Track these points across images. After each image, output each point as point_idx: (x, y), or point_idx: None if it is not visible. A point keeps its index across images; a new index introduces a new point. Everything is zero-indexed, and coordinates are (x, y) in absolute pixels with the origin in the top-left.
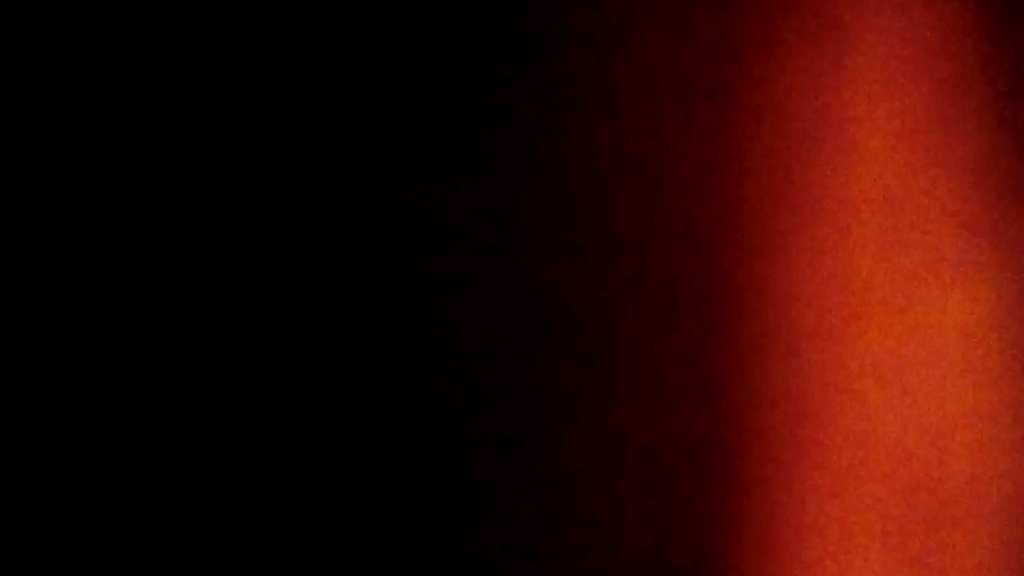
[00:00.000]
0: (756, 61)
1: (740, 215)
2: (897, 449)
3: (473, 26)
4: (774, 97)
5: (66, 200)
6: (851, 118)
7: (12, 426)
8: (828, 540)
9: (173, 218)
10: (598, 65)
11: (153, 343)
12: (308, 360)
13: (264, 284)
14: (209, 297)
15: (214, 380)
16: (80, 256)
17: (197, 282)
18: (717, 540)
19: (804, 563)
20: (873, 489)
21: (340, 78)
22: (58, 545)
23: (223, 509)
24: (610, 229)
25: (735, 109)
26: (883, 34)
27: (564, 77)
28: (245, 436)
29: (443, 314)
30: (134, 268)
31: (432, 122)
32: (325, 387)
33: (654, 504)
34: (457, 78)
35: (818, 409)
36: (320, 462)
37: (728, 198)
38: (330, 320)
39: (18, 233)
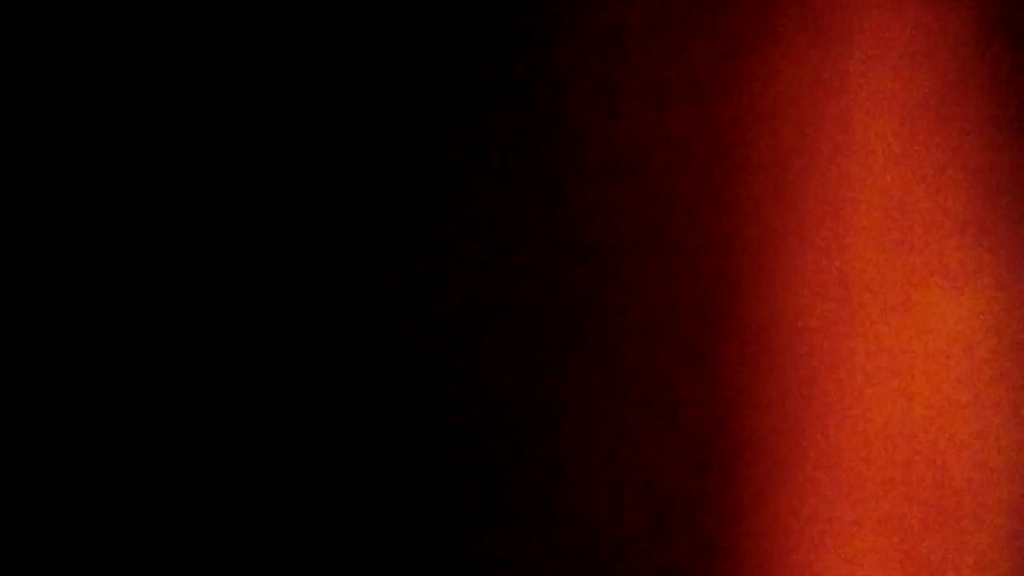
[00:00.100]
0: (756, 61)
1: (740, 215)
2: (897, 449)
3: (471, 27)
4: (774, 97)
5: (81, 203)
6: (851, 118)
7: (12, 426)
8: (828, 540)
9: (181, 222)
10: (597, 66)
11: (164, 342)
12: (308, 360)
13: (272, 286)
14: (217, 298)
15: (226, 380)
16: (89, 260)
17: (202, 283)
18: (717, 540)
19: (804, 563)
20: (873, 489)
21: (340, 78)
22: (58, 545)
23: (232, 510)
24: (609, 229)
25: (735, 109)
26: (883, 34)
27: (563, 77)
28: (255, 437)
29: (443, 315)
30: (138, 269)
31: (431, 122)
32: (325, 387)
33: (654, 504)
34: (455, 78)
35: (818, 409)
36: (320, 461)
37: (728, 198)
38: (331, 320)
39: (20, 233)
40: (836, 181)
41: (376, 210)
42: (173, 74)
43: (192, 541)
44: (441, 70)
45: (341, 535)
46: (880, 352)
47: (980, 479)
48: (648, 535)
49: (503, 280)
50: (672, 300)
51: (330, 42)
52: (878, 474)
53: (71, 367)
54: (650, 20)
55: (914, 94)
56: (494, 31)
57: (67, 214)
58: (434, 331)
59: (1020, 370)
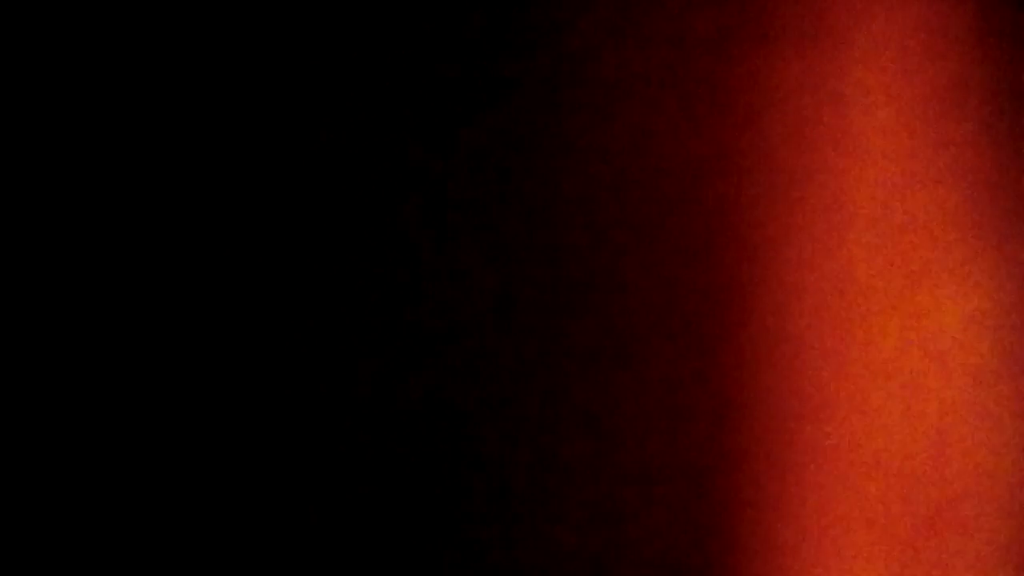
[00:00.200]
0: (755, 61)
1: (739, 215)
2: (897, 449)
3: (468, 26)
4: (773, 97)
5: (82, 204)
6: (850, 118)
7: (12, 426)
8: (828, 540)
9: (181, 222)
10: (595, 64)
11: (164, 342)
12: (308, 360)
13: (272, 286)
14: (217, 298)
15: (226, 380)
16: (90, 260)
17: (202, 283)
18: (717, 540)
19: (804, 563)
20: (873, 489)
21: (339, 78)
22: (58, 545)
23: (232, 509)
24: (607, 230)
25: (734, 109)
26: (882, 33)
27: (561, 76)
28: (255, 437)
29: (443, 316)
30: (138, 270)
31: (430, 122)
32: (325, 387)
33: (654, 504)
34: (452, 79)
35: (818, 409)
36: (319, 461)
37: (728, 198)
38: (331, 320)
39: (21, 233)
40: (835, 181)
41: (375, 210)
42: (171, 69)
43: (192, 541)
44: (439, 70)
45: (341, 535)
46: (880, 352)
47: (980, 480)
48: (648, 535)
49: (501, 280)
50: (671, 300)
51: (330, 42)
52: (878, 474)
53: (71, 367)
54: (648, 20)
55: (914, 94)
56: (490, 32)
57: (68, 214)
58: (433, 331)
59: (1019, 369)
